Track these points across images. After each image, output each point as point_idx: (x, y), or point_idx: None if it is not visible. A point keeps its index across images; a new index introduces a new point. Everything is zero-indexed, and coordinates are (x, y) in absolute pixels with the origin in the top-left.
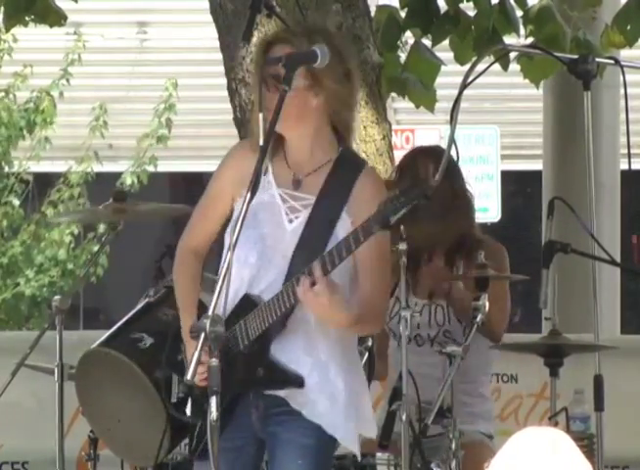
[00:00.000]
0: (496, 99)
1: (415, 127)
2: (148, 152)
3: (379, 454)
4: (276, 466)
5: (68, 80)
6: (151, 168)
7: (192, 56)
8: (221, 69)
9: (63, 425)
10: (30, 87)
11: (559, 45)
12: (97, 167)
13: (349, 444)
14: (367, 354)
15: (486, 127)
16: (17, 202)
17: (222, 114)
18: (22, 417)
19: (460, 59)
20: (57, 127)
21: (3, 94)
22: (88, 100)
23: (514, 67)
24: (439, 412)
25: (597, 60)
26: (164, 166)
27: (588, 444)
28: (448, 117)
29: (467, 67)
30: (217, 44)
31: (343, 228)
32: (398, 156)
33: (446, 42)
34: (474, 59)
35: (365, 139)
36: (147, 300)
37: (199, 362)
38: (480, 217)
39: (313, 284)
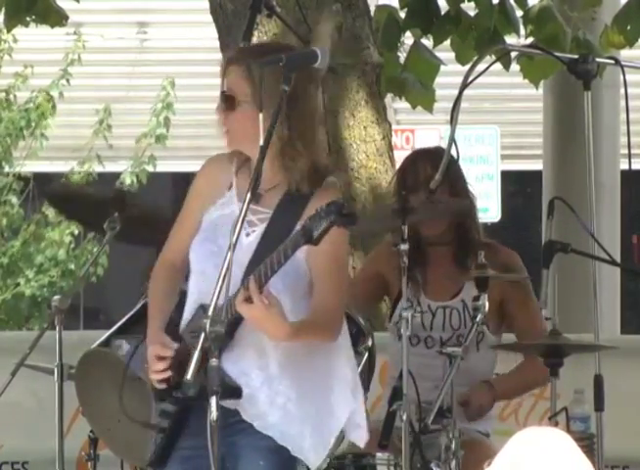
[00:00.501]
0: (496, 99)
1: (415, 127)
2: (147, 151)
3: (379, 454)
4: None
5: (68, 80)
6: (150, 168)
7: (192, 56)
8: None
9: (63, 425)
10: (30, 87)
11: (559, 45)
12: (97, 168)
13: (306, 453)
14: (367, 354)
15: (486, 127)
16: (15, 200)
17: None
18: (22, 417)
19: (461, 59)
20: (57, 127)
21: (3, 94)
22: (88, 100)
23: (514, 66)
24: (439, 412)
25: (597, 60)
26: (164, 167)
27: (588, 444)
28: (448, 118)
29: (467, 67)
30: (217, 44)
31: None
32: (398, 156)
33: (447, 42)
34: (474, 59)
35: (365, 139)
36: (146, 300)
37: (199, 363)
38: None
39: (249, 297)
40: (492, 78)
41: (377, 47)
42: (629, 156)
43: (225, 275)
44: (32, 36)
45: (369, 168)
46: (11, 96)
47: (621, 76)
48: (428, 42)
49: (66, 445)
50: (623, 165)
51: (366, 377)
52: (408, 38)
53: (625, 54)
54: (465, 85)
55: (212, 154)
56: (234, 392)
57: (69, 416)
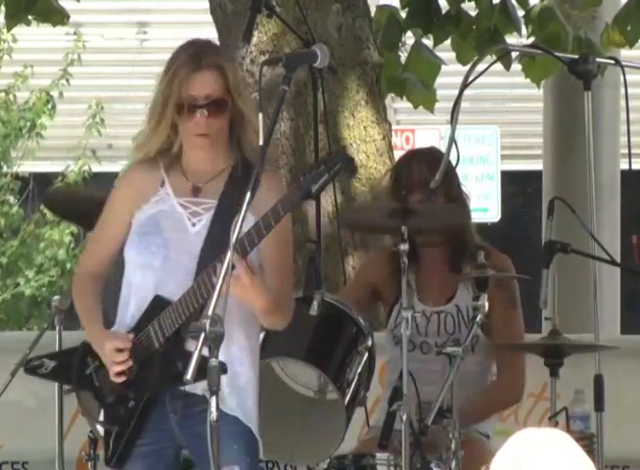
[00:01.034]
0: (496, 99)
1: (415, 127)
2: None
3: (379, 454)
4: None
5: (67, 80)
6: None
7: None
8: None
9: (63, 425)
10: (30, 87)
11: (560, 45)
12: (96, 167)
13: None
14: (367, 354)
15: (486, 127)
16: (13, 200)
17: None
18: (22, 417)
19: (462, 59)
20: (56, 127)
21: (3, 94)
22: (88, 100)
23: (514, 66)
24: (439, 412)
25: (597, 60)
26: None
27: (588, 444)
28: (448, 118)
29: (467, 67)
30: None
31: (249, 226)
32: (398, 156)
33: (448, 42)
34: (475, 59)
35: (365, 139)
36: None
37: (199, 363)
38: (481, 217)
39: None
40: (492, 78)
41: (377, 47)
42: (629, 156)
43: (225, 275)
44: (32, 36)
45: (369, 168)
46: (10, 96)
47: (622, 76)
48: (428, 42)
49: (66, 445)
50: (623, 165)
51: (366, 377)
52: (409, 38)
53: (625, 54)
54: (465, 85)
55: None
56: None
57: (69, 416)
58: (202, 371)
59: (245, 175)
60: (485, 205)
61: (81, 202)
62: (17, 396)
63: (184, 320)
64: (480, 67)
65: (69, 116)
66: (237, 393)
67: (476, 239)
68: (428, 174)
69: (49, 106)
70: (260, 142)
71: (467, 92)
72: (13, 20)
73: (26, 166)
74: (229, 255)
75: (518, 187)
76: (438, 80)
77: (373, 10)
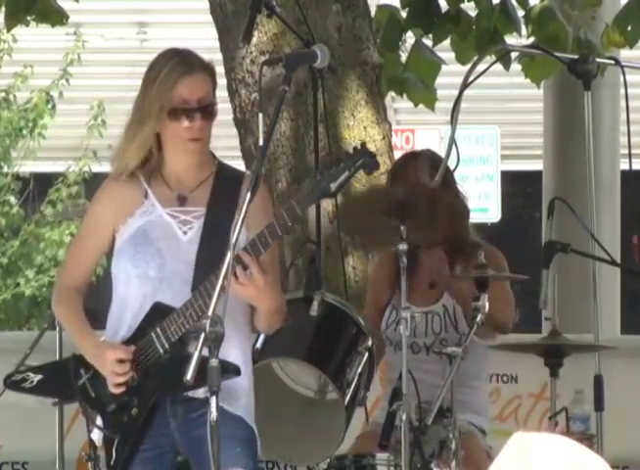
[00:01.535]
0: (496, 99)
1: (415, 127)
2: None
3: (379, 454)
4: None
5: (67, 80)
6: None
7: None
8: (221, 69)
9: (63, 425)
10: (30, 87)
11: (561, 45)
12: (97, 168)
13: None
14: (367, 354)
15: (486, 127)
16: (14, 200)
17: (222, 114)
18: (22, 417)
19: (461, 59)
20: (57, 128)
21: (3, 94)
22: (88, 100)
23: (514, 66)
24: (439, 412)
25: (597, 60)
26: None
27: (588, 444)
28: (449, 118)
29: (467, 67)
30: (217, 44)
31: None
32: (398, 156)
33: (447, 42)
34: (475, 59)
35: (365, 139)
36: None
37: (199, 364)
38: (481, 218)
39: (245, 269)
40: (492, 78)
41: (377, 47)
42: (629, 156)
43: (225, 276)
44: (32, 36)
45: None
46: (10, 96)
47: (621, 77)
48: (428, 42)
49: (66, 445)
50: (623, 165)
51: (366, 377)
52: (409, 38)
53: (625, 54)
54: (465, 85)
55: None
56: (230, 367)
57: (69, 416)
58: (227, 369)
59: (228, 180)
60: (485, 205)
61: None
62: (17, 396)
63: (187, 328)
64: (480, 67)
65: (69, 116)
66: (238, 394)
67: (471, 235)
68: (423, 176)
69: (49, 106)
70: (260, 142)
71: (467, 92)
72: (12, 20)
73: (27, 167)
74: (229, 255)
75: (518, 187)
76: (438, 80)
77: (373, 10)
